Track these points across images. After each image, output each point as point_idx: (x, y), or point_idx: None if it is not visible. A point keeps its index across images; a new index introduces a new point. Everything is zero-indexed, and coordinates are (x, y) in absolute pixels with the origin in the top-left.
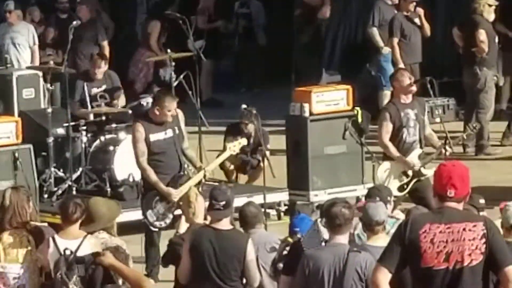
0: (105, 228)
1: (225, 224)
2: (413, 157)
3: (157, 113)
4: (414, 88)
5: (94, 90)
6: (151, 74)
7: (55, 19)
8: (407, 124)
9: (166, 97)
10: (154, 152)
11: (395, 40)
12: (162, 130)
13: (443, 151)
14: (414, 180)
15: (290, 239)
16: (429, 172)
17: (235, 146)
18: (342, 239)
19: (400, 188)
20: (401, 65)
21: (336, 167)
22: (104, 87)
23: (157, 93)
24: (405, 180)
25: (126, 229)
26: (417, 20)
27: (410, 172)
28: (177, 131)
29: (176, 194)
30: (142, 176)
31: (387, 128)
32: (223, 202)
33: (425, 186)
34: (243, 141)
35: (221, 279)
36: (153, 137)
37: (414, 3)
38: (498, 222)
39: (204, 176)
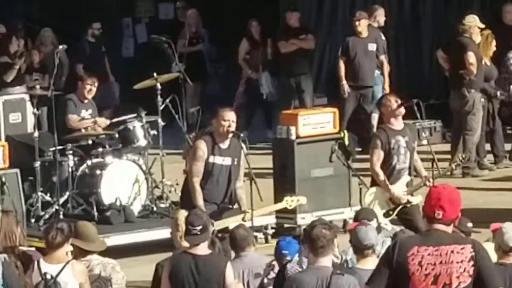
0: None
1: (203, 249)
2: (401, 185)
3: (215, 124)
4: (402, 110)
5: (83, 113)
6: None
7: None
8: (397, 151)
9: (223, 108)
10: (207, 174)
11: (341, 60)
12: (222, 155)
13: (427, 182)
14: (400, 207)
15: (274, 263)
16: (416, 199)
17: (293, 201)
18: (325, 261)
19: (386, 214)
20: (343, 82)
21: (323, 190)
22: (90, 111)
23: (217, 109)
24: (391, 206)
25: (114, 253)
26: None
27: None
28: (236, 162)
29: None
30: (185, 196)
31: (379, 155)
32: (200, 227)
33: (414, 209)
34: (303, 200)
35: None
36: (212, 159)
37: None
38: (486, 244)
39: (244, 218)
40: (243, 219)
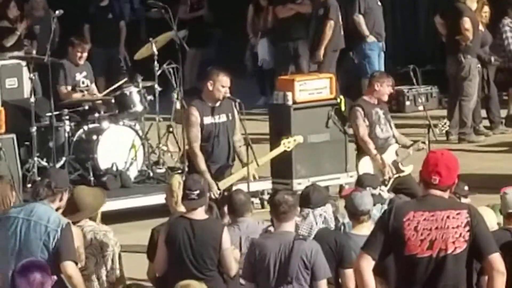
0: (90, 218)
1: (200, 214)
2: (391, 154)
3: (210, 88)
4: (387, 97)
5: (78, 76)
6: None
7: None
8: (378, 121)
9: (220, 72)
10: (205, 137)
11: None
12: (216, 114)
13: (421, 145)
14: (394, 177)
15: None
16: (407, 169)
17: (290, 142)
18: (288, 226)
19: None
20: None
21: (319, 156)
22: (85, 73)
23: (211, 69)
24: (385, 176)
25: (110, 218)
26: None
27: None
28: (230, 118)
29: (216, 190)
30: (190, 161)
31: (363, 125)
32: (197, 191)
33: (409, 179)
34: (299, 139)
35: (198, 269)
36: (206, 119)
37: None
38: (483, 209)
39: (248, 173)
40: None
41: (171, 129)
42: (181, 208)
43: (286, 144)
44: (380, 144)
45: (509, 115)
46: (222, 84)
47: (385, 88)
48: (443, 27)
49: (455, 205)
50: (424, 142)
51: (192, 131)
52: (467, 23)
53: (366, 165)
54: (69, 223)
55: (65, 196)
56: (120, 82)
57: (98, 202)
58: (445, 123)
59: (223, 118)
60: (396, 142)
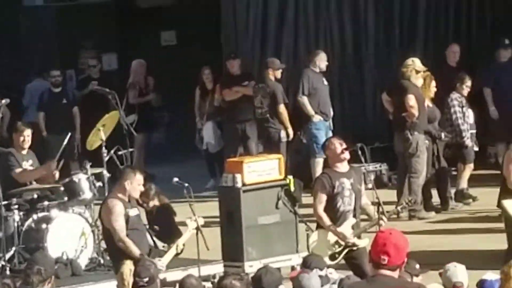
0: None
1: None
2: (346, 227)
3: (127, 187)
4: (347, 155)
5: (24, 164)
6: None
7: None
8: (341, 193)
9: (137, 173)
10: (128, 228)
11: (282, 107)
12: (133, 207)
13: (379, 222)
14: (346, 250)
15: None
16: (362, 242)
17: (193, 223)
18: None
19: (332, 257)
20: (290, 129)
21: (270, 237)
22: (31, 161)
23: (126, 169)
24: (338, 249)
25: None
26: None
27: (342, 242)
28: (138, 211)
29: (160, 265)
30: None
31: (321, 198)
32: (146, 279)
33: (361, 253)
34: (200, 221)
35: None
36: (129, 212)
37: (280, 70)
38: (434, 286)
39: (178, 248)
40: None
41: None
42: None
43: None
44: (339, 216)
45: (458, 190)
46: (139, 183)
47: (336, 147)
48: (390, 105)
49: (405, 285)
50: (382, 218)
51: (118, 221)
52: (411, 100)
53: (317, 239)
54: None
55: (53, 280)
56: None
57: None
58: (410, 201)
59: (136, 211)
60: (355, 216)
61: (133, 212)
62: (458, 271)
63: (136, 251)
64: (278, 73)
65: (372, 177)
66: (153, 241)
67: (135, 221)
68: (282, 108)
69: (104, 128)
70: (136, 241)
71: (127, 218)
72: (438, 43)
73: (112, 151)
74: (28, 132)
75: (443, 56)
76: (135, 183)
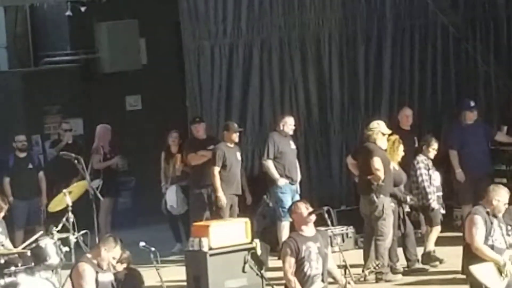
0: None
1: None
2: None
3: (102, 254)
4: (313, 218)
5: None
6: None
7: None
8: (309, 258)
9: (117, 244)
10: None
11: (216, 169)
12: (106, 272)
13: (346, 286)
14: None
15: None
16: None
17: None
18: None
19: None
20: (220, 193)
21: None
22: (0, 229)
23: (108, 236)
24: None
25: None
26: (238, 154)
27: None
28: (112, 277)
29: None
30: None
31: (290, 262)
32: None
33: None
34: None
35: None
36: (100, 277)
37: (237, 133)
38: None
39: None
40: None
41: None
42: None
43: None
44: (306, 281)
45: (425, 252)
46: (114, 256)
47: (302, 211)
48: (355, 167)
49: None
50: (349, 282)
51: (89, 284)
52: (377, 162)
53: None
54: None
55: None
56: (36, 236)
57: None
58: (378, 264)
59: (110, 277)
60: (323, 280)
61: (105, 277)
62: None
63: None
64: (235, 136)
65: (339, 240)
66: None
67: (106, 286)
68: (213, 171)
69: (71, 194)
70: None
71: (97, 284)
72: (404, 106)
73: (71, 220)
74: (4, 209)
75: (396, 120)
76: (111, 254)
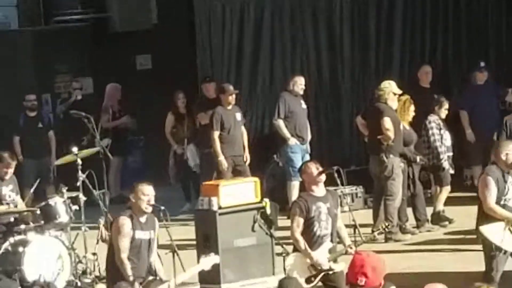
0: None
1: None
2: (323, 252)
3: (134, 200)
4: (323, 178)
5: (4, 189)
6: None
7: None
8: (318, 218)
9: (139, 183)
10: (131, 250)
11: (216, 133)
12: (143, 229)
13: (349, 250)
14: (322, 274)
15: None
16: (338, 266)
17: (208, 262)
18: None
19: (308, 280)
20: (221, 157)
21: (246, 260)
22: (11, 186)
23: (134, 185)
24: (314, 272)
25: None
26: (238, 115)
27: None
28: (153, 235)
29: None
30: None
31: (298, 222)
32: None
33: (338, 276)
34: (216, 259)
35: None
36: (136, 233)
37: (234, 95)
38: None
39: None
40: None
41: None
42: None
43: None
44: (316, 241)
45: (435, 212)
46: (143, 192)
47: (313, 170)
48: (365, 128)
49: None
50: (351, 247)
51: (123, 241)
52: (387, 123)
53: (294, 262)
54: None
55: None
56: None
57: None
58: (388, 225)
59: (147, 235)
60: (332, 240)
61: (142, 234)
62: None
63: (129, 275)
64: (231, 99)
65: (349, 199)
66: (155, 271)
67: (140, 245)
68: (213, 135)
69: (79, 155)
70: (135, 266)
71: (132, 240)
72: (414, 66)
73: (84, 175)
74: (13, 165)
75: (415, 77)
76: (139, 194)
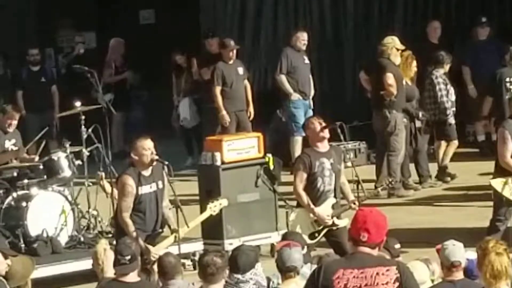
0: (20, 286)
1: (132, 277)
2: (326, 207)
3: (136, 157)
4: (326, 134)
5: (7, 143)
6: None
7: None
8: (322, 173)
9: (139, 137)
10: (136, 206)
11: (217, 89)
12: (148, 183)
13: (352, 206)
14: (326, 230)
15: None
16: (342, 222)
17: (216, 206)
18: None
19: (311, 236)
20: (223, 112)
21: (249, 215)
22: (14, 140)
23: (132, 140)
24: (317, 228)
25: (42, 285)
26: (240, 69)
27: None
28: (160, 185)
29: (154, 253)
30: (120, 230)
31: (301, 177)
32: (129, 257)
33: (341, 232)
34: (224, 202)
35: None
36: (140, 189)
37: (234, 51)
38: (415, 263)
39: (177, 237)
40: (175, 241)
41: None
42: (108, 274)
43: (213, 208)
44: (319, 196)
45: (441, 167)
46: (143, 147)
47: (316, 126)
48: (368, 83)
49: (384, 262)
50: (354, 202)
51: (125, 201)
52: (390, 78)
53: (297, 217)
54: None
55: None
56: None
57: (27, 270)
58: (391, 181)
59: (154, 187)
60: (335, 196)
61: (147, 189)
62: (456, 249)
63: (132, 233)
64: (232, 54)
65: (352, 155)
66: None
67: (147, 200)
68: (215, 91)
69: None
70: (140, 222)
71: (137, 197)
72: (417, 21)
73: (89, 130)
74: (16, 117)
75: (424, 33)
76: (140, 149)
